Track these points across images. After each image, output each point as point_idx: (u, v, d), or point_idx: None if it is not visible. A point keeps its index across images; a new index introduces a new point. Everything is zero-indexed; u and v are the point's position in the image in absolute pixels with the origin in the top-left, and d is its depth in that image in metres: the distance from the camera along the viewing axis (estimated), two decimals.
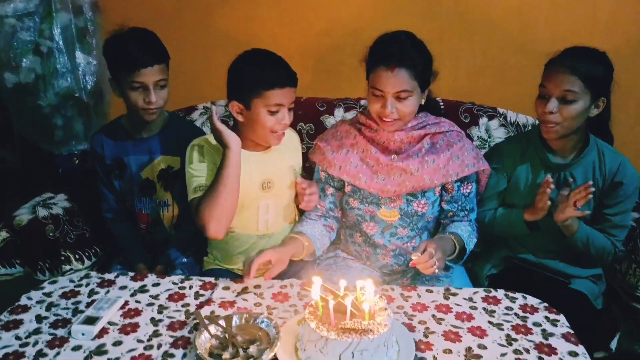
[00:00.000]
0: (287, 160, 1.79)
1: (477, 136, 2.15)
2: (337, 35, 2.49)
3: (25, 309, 1.41)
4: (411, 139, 1.73)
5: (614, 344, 1.78)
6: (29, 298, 1.45)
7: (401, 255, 1.80)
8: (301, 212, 1.87)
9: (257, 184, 1.73)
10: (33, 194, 1.99)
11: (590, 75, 1.62)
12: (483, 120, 2.16)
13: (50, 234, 1.81)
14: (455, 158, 1.72)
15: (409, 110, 1.66)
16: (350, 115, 2.19)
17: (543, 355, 1.25)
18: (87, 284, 1.52)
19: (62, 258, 1.82)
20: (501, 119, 2.16)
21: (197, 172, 1.68)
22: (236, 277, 1.72)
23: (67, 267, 1.82)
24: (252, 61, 1.65)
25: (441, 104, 2.10)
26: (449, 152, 1.72)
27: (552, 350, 1.26)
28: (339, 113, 2.20)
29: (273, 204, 1.75)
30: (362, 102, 2.22)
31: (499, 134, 2.14)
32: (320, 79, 2.54)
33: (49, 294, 1.47)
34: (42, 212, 1.84)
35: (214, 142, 1.69)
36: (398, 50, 1.61)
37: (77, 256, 1.85)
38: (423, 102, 1.72)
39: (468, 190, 1.77)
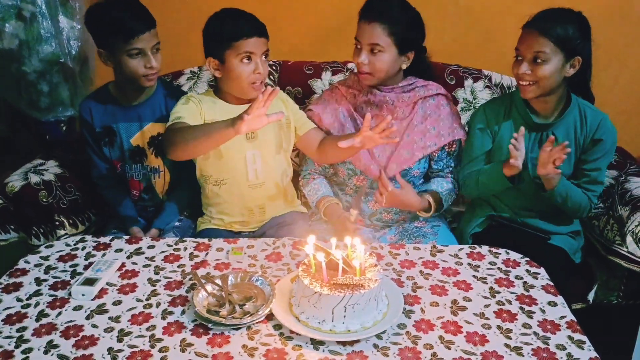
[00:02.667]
0: (271, 110, 1.75)
1: (463, 98, 2.18)
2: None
3: (24, 272, 1.44)
4: (403, 104, 1.84)
5: (591, 296, 1.87)
6: (27, 262, 1.48)
7: None
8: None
9: (242, 135, 1.72)
10: (21, 161, 2.00)
11: (561, 35, 1.65)
12: (468, 82, 2.19)
13: (44, 200, 1.82)
14: (431, 129, 1.86)
15: (380, 65, 1.76)
16: (337, 78, 2.20)
17: (524, 306, 1.32)
18: (84, 248, 1.55)
19: (57, 223, 1.83)
20: (486, 81, 2.20)
21: (178, 108, 1.75)
22: (230, 236, 1.77)
23: (62, 232, 1.84)
24: (221, 17, 1.73)
25: None
26: (422, 125, 1.85)
27: (532, 301, 1.33)
28: (327, 76, 2.22)
29: (259, 154, 1.81)
30: (349, 65, 2.23)
31: (483, 96, 2.18)
32: (307, 43, 2.53)
33: (46, 258, 1.50)
34: (34, 178, 1.84)
35: (203, 98, 1.79)
36: (379, 6, 1.74)
37: (70, 221, 1.87)
38: (404, 66, 1.82)
39: (452, 149, 1.91)
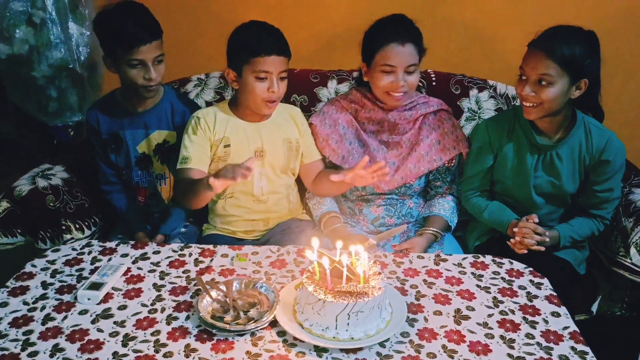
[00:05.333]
0: (283, 132, 1.87)
1: (468, 108, 2.18)
2: (330, 7, 2.49)
3: (31, 275, 1.45)
4: (405, 121, 1.87)
5: (594, 307, 1.87)
6: (34, 265, 1.49)
7: (391, 206, 1.93)
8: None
9: (251, 152, 1.81)
10: (29, 165, 2.01)
11: (568, 57, 1.59)
12: (473, 92, 2.20)
13: (51, 204, 1.83)
14: (436, 144, 1.88)
15: (416, 82, 1.82)
16: (342, 87, 2.22)
17: (527, 316, 1.32)
18: (90, 252, 1.56)
19: (63, 227, 1.85)
20: (491, 91, 2.20)
21: (187, 143, 1.78)
22: (235, 242, 1.78)
23: (68, 237, 1.85)
24: (246, 30, 1.74)
25: (433, 75, 2.18)
26: (429, 139, 1.88)
27: (535, 311, 1.34)
28: (332, 85, 2.23)
29: (265, 172, 1.84)
30: (355, 73, 2.24)
31: (489, 106, 2.19)
32: (314, 51, 2.55)
33: (52, 262, 1.51)
34: (41, 182, 1.86)
35: (215, 115, 1.80)
36: (407, 28, 1.78)
37: (77, 225, 1.88)
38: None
39: (452, 164, 1.93)
